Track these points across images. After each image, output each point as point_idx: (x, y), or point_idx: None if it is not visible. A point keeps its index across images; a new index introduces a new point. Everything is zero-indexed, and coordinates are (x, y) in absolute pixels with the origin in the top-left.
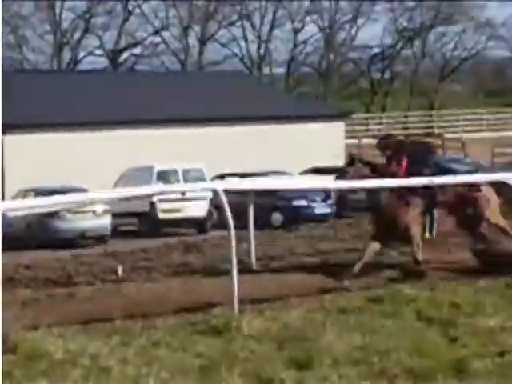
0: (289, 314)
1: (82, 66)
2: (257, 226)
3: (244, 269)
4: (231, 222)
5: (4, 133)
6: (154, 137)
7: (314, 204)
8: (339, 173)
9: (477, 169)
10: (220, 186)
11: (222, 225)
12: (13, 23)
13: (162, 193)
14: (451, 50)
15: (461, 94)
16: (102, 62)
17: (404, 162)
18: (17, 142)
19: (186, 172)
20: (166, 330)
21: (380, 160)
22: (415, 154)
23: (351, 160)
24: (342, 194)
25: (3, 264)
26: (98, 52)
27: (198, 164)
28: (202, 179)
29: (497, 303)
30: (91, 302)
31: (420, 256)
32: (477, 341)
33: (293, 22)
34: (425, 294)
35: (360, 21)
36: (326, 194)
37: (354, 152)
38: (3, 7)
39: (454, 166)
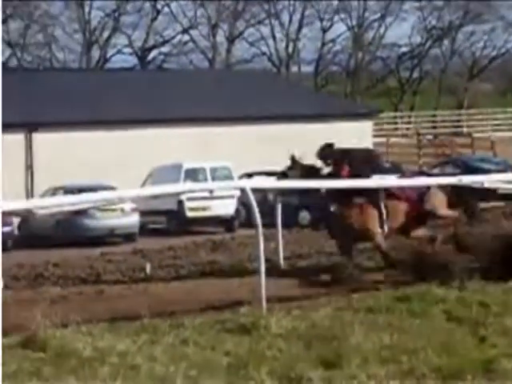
0: (317, 313)
1: (110, 65)
2: (284, 225)
3: (272, 268)
4: (259, 221)
5: (32, 131)
6: (181, 135)
7: None
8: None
9: (506, 168)
10: (248, 184)
11: (250, 223)
12: (42, 22)
13: (190, 191)
14: (480, 49)
15: (490, 93)
16: (131, 61)
17: (345, 172)
18: (45, 140)
19: (213, 170)
20: (193, 328)
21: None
22: (357, 163)
23: (293, 162)
24: None
25: (32, 262)
26: (127, 50)
27: (226, 162)
28: (230, 177)
29: None
30: (119, 299)
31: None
32: (506, 341)
33: (321, 20)
34: (453, 293)
35: (388, 19)
36: None
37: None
38: (34, 6)
39: (483, 165)
